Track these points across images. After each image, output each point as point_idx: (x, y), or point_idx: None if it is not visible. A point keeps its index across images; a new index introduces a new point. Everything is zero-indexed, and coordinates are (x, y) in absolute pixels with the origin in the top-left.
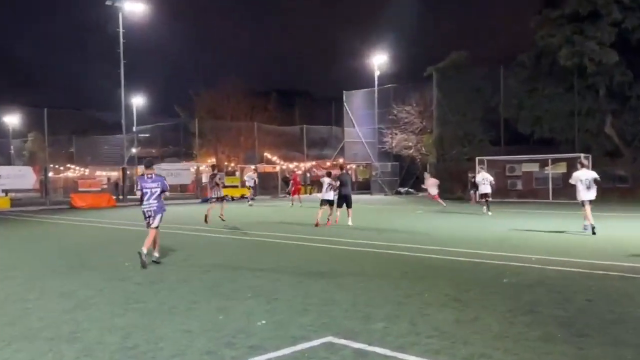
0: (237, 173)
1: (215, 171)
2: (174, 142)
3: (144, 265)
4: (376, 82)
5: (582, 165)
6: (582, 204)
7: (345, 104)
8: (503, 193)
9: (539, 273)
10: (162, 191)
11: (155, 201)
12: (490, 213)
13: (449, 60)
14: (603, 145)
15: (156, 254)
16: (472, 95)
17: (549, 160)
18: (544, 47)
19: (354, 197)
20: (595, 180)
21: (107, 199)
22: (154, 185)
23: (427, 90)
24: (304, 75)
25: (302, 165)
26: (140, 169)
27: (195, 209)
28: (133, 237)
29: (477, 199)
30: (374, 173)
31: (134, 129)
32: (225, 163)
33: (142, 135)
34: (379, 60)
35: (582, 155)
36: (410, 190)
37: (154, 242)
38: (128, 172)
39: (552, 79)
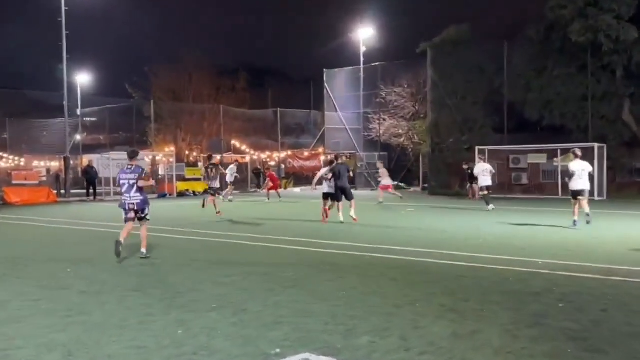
0: (200, 164)
1: (212, 161)
2: (125, 128)
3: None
4: (362, 60)
5: (576, 156)
6: (574, 195)
7: (325, 84)
8: (506, 188)
9: (547, 279)
10: (137, 180)
11: (138, 194)
12: (491, 207)
13: (446, 35)
14: (620, 134)
15: (143, 250)
16: (472, 75)
17: (559, 151)
18: (555, 21)
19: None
20: (589, 174)
21: (47, 193)
22: (132, 176)
23: (420, 69)
24: (279, 53)
25: (275, 155)
26: (86, 158)
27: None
28: (77, 239)
29: (479, 194)
30: (359, 165)
31: (79, 112)
32: (187, 152)
33: (88, 119)
34: (365, 35)
35: (597, 145)
36: (400, 184)
37: (126, 233)
38: (71, 163)
39: (563, 58)
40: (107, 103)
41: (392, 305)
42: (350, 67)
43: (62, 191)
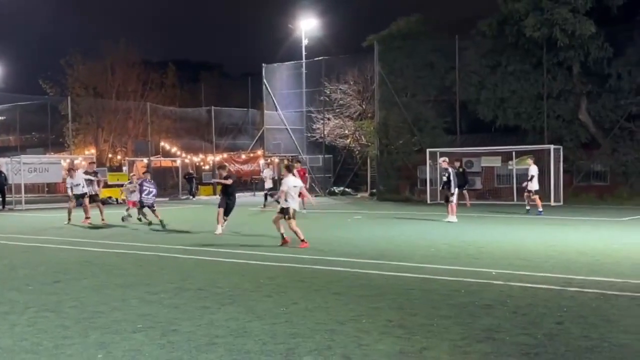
0: (125, 168)
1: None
2: (39, 128)
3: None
4: (304, 54)
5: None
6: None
7: (264, 80)
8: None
9: (500, 291)
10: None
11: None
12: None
13: (395, 27)
14: (577, 135)
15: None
16: (423, 71)
17: (513, 153)
18: (508, 14)
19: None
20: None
21: None
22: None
23: (367, 64)
24: (215, 46)
25: (209, 158)
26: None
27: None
28: None
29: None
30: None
31: None
32: (109, 155)
33: None
34: (307, 26)
35: (552, 147)
36: (347, 190)
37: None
38: None
39: (518, 54)
40: (18, 100)
41: (335, 322)
42: (292, 62)
43: None
